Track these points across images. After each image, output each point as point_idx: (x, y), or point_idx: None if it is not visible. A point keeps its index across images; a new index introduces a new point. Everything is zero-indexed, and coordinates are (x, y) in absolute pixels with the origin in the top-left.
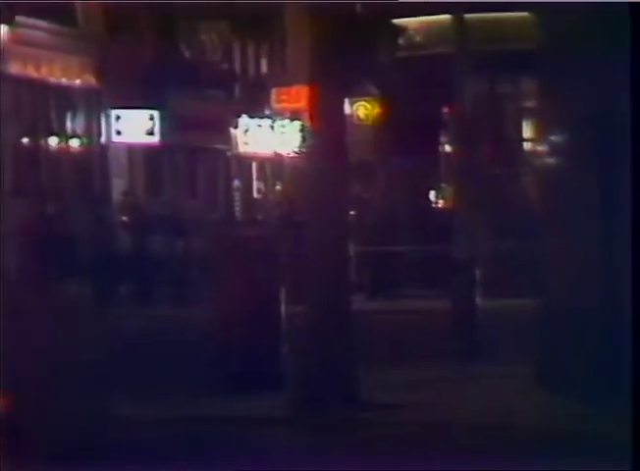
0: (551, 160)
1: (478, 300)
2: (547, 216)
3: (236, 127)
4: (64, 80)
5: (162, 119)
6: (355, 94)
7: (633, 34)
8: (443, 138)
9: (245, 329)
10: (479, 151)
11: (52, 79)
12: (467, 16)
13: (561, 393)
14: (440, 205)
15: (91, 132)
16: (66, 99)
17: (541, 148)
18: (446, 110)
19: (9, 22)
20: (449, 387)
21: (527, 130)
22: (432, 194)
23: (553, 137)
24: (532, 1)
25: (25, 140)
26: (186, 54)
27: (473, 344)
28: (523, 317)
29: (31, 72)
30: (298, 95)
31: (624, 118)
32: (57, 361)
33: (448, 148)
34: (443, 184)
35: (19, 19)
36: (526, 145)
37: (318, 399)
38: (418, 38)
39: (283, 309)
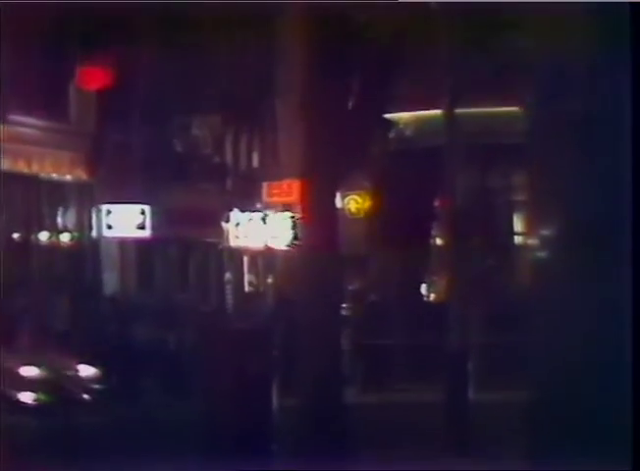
0: (542, 253)
1: (470, 393)
2: (538, 308)
3: (227, 220)
4: (55, 176)
5: (153, 213)
6: (346, 188)
7: (633, 34)
8: (434, 231)
9: (236, 423)
10: (470, 244)
11: (43, 175)
12: (458, 110)
13: None
14: (431, 298)
15: (83, 227)
16: (57, 194)
17: (532, 241)
18: (437, 203)
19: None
20: None
21: (518, 223)
22: (423, 287)
23: (544, 231)
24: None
25: (15, 235)
26: (178, 148)
27: (465, 438)
28: (516, 410)
29: (22, 167)
30: (290, 189)
31: (625, 219)
32: None
33: (439, 241)
34: (434, 277)
35: (9, 116)
36: (517, 238)
37: None
38: (409, 132)
39: (274, 403)
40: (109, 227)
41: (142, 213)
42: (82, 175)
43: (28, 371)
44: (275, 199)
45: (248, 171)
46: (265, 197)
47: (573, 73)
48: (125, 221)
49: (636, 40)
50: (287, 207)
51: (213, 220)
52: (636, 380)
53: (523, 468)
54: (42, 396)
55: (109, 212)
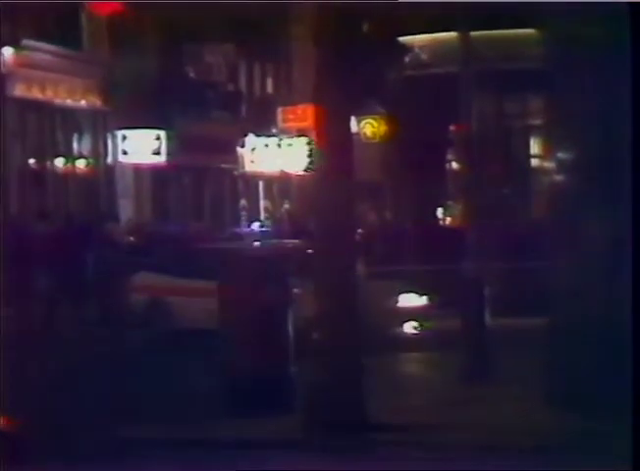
0: (558, 177)
1: (487, 319)
2: (554, 232)
3: (242, 146)
4: (70, 102)
5: (168, 138)
6: (362, 112)
7: (633, 34)
8: (450, 156)
9: (253, 350)
10: (486, 169)
11: (58, 101)
12: (474, 33)
13: (573, 410)
14: (447, 223)
15: (98, 153)
16: (72, 121)
17: (548, 165)
18: (453, 127)
19: (14, 44)
20: (456, 407)
21: (534, 148)
22: (439, 212)
23: (560, 154)
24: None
25: (31, 162)
26: (193, 74)
27: (482, 364)
28: (533, 335)
29: (37, 94)
30: (305, 114)
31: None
32: None
33: (455, 166)
34: (450, 202)
35: (24, 42)
36: (533, 162)
37: (326, 422)
38: (425, 56)
39: (291, 331)
40: (124, 152)
41: (158, 138)
42: (97, 101)
43: None
44: (290, 124)
45: (263, 96)
46: (280, 122)
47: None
48: (140, 146)
49: (636, 40)
50: (301, 132)
51: (228, 145)
52: (636, 380)
53: (539, 388)
54: None
55: (124, 137)
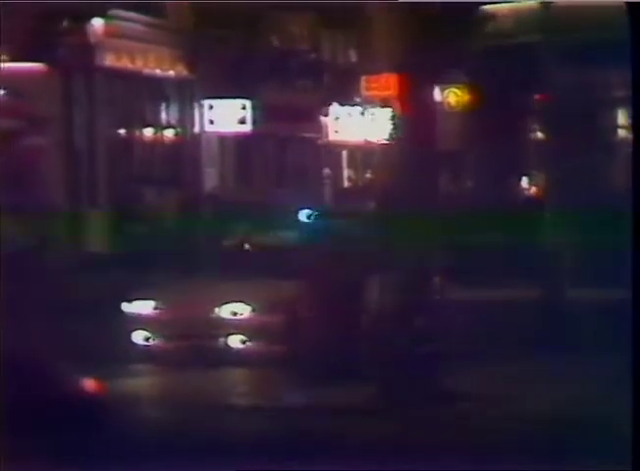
0: None
1: (568, 290)
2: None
3: (326, 115)
4: (158, 72)
5: (254, 108)
6: (446, 81)
7: (633, 34)
8: (534, 126)
9: (333, 320)
10: (570, 139)
11: (146, 71)
12: (557, 1)
13: None
14: (530, 193)
15: (185, 122)
16: (160, 90)
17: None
18: (537, 97)
19: (103, 15)
20: (535, 379)
21: (619, 118)
22: (523, 182)
23: None
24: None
25: (120, 131)
26: (276, 43)
27: (562, 335)
28: (614, 307)
29: (125, 64)
30: (388, 83)
31: None
32: None
33: (539, 135)
34: (534, 172)
35: (112, 12)
36: (618, 133)
37: (403, 392)
38: (509, 25)
39: (370, 299)
40: (211, 122)
41: (243, 108)
42: (184, 70)
43: None
44: (373, 93)
45: (346, 64)
46: (364, 91)
47: None
48: (226, 116)
49: (636, 40)
50: (385, 101)
51: (312, 114)
52: (636, 380)
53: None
54: None
55: (211, 107)
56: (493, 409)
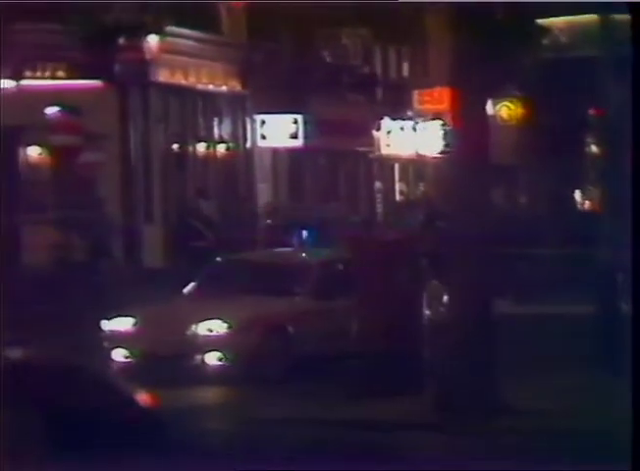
0: None
1: (623, 306)
2: None
3: (378, 129)
4: (211, 87)
5: (305, 122)
6: (498, 95)
7: (633, 34)
8: (588, 140)
9: (387, 333)
10: (625, 153)
11: (200, 86)
12: (614, 16)
13: None
14: (585, 207)
15: (237, 137)
16: (213, 105)
17: None
18: (591, 111)
19: (158, 32)
20: (591, 394)
21: None
22: (577, 196)
23: None
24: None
25: (174, 146)
26: (328, 58)
27: (617, 351)
28: None
29: (179, 79)
30: (441, 97)
31: None
32: None
33: (593, 150)
34: (588, 187)
35: (167, 28)
36: None
37: (461, 405)
38: (563, 39)
39: (425, 313)
40: (263, 137)
41: (295, 122)
42: (237, 85)
43: None
44: (426, 107)
45: (399, 79)
46: (416, 105)
47: None
48: (278, 130)
49: (636, 40)
50: (437, 115)
51: (364, 128)
52: (636, 380)
53: None
54: None
55: (263, 122)
56: None
